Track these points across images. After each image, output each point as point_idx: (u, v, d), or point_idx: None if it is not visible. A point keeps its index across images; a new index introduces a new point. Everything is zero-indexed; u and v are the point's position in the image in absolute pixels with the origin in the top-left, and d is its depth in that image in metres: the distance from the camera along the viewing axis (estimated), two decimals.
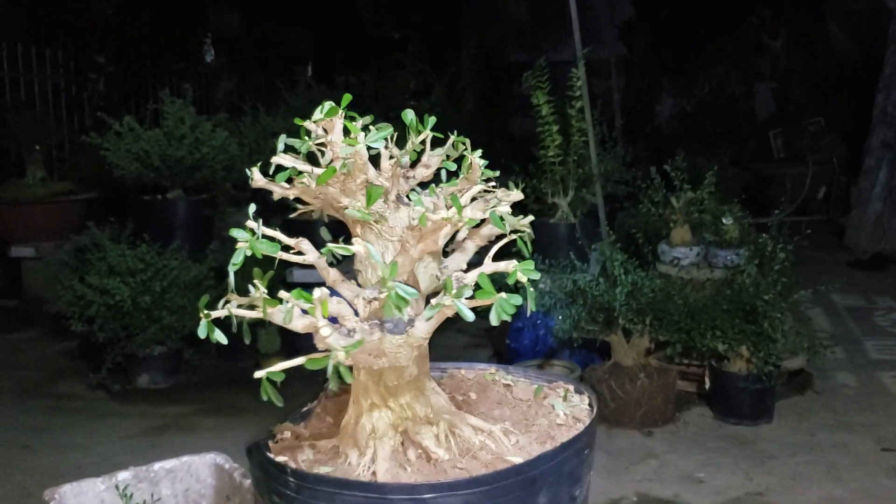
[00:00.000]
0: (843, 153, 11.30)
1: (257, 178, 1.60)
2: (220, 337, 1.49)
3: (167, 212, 5.73)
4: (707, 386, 4.65)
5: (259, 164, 1.62)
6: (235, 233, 1.47)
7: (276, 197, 1.62)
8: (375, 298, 1.53)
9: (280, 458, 1.66)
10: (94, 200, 6.94)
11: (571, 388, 1.94)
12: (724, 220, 5.08)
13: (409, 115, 1.61)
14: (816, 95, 12.43)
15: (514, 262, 1.50)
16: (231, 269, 1.48)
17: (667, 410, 4.49)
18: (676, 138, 10.88)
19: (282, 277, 5.36)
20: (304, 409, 1.92)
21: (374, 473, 1.59)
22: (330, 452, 1.67)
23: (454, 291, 1.47)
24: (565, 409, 1.86)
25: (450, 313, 1.48)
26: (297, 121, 1.58)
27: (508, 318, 1.45)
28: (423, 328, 1.55)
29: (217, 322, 1.49)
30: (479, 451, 1.65)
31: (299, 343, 3.26)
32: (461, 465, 1.61)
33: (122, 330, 4.95)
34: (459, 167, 1.68)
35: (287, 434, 1.76)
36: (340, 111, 1.54)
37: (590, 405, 1.89)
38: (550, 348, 5.00)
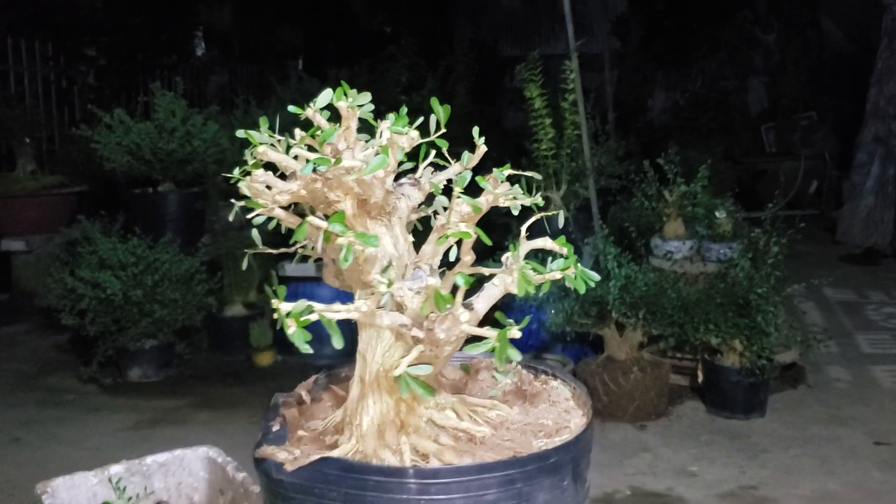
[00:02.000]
0: (835, 147, 11.32)
1: (258, 174, 1.53)
2: (306, 348, 1.37)
3: (158, 205, 5.68)
4: (700, 380, 4.65)
5: (258, 161, 1.54)
6: (335, 227, 1.39)
7: (276, 192, 1.56)
8: (422, 289, 1.51)
9: (387, 463, 1.55)
10: (84, 194, 6.91)
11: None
12: (717, 214, 5.08)
13: (435, 106, 1.58)
14: (809, 90, 12.45)
15: (548, 238, 1.55)
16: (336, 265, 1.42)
17: (660, 404, 4.49)
18: (669, 132, 10.87)
19: (275, 272, 5.35)
20: (275, 427, 1.70)
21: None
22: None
23: (557, 265, 1.52)
24: (510, 378, 1.87)
25: (501, 294, 1.54)
26: (297, 109, 1.53)
27: (593, 285, 1.54)
28: (482, 309, 1.56)
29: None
30: (507, 424, 1.67)
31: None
32: (506, 438, 1.61)
33: (114, 323, 4.93)
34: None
35: (284, 455, 1.58)
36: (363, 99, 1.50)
37: (530, 369, 1.93)
38: (543, 342, 5.00)
